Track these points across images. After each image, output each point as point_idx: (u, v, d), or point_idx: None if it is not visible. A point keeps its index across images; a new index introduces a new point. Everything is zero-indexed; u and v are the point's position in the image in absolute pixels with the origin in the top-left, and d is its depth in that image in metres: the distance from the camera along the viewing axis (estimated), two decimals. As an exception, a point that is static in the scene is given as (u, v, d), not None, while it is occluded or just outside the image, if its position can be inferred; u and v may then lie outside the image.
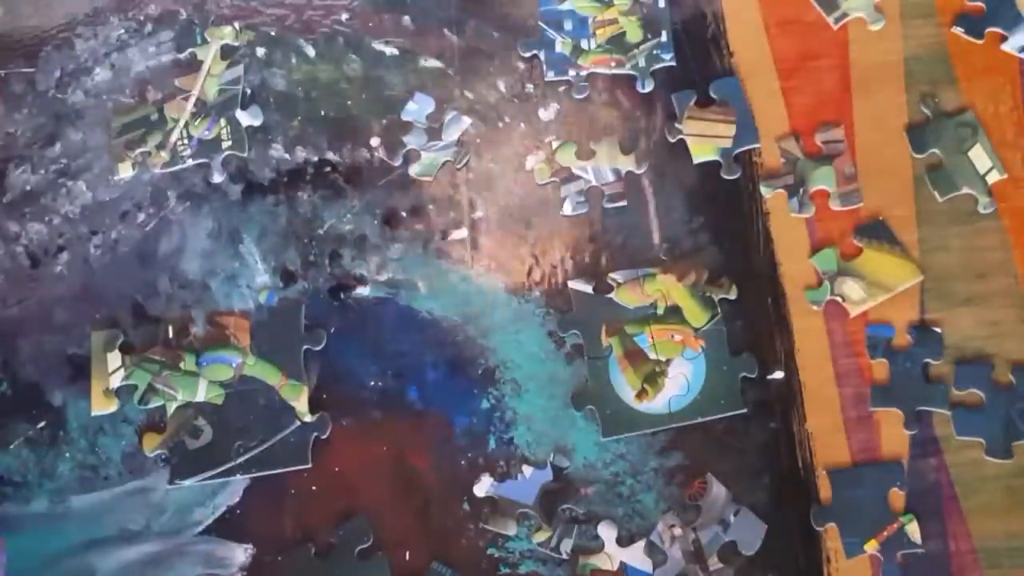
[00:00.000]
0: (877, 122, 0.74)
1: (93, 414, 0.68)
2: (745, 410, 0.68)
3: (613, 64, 0.76)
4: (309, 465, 0.67)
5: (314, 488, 0.68)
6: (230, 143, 0.74)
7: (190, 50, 0.77)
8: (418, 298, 0.72)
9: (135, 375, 0.68)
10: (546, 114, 0.75)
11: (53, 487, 0.68)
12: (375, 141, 0.75)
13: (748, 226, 0.72)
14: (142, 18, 0.78)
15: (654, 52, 0.76)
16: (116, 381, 0.68)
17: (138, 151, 0.74)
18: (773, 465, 0.68)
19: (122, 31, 0.77)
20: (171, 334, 0.70)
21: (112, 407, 0.68)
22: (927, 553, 0.65)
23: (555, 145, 0.74)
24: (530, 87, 0.76)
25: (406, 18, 0.78)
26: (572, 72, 0.76)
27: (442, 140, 0.74)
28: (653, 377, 0.68)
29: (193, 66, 0.76)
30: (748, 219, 0.72)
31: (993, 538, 0.66)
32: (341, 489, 0.68)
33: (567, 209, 0.72)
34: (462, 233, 0.73)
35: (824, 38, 0.76)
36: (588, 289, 0.71)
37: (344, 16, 0.78)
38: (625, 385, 0.68)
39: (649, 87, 0.75)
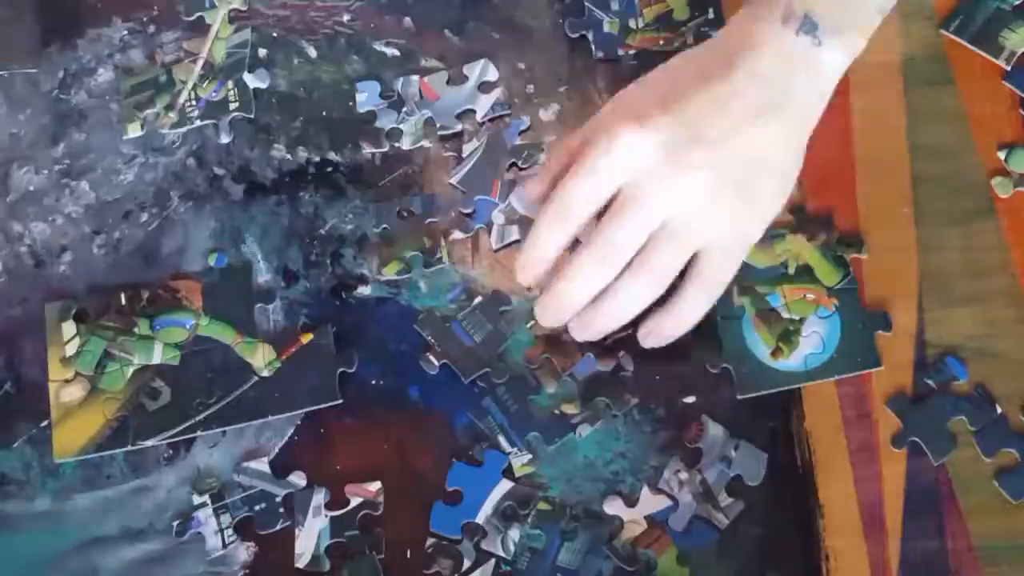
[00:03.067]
0: (877, 122, 0.74)
1: (51, 380, 0.69)
2: (882, 366, 0.68)
3: (661, 42, 0.76)
4: (269, 419, 0.68)
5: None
6: (237, 104, 0.75)
7: (198, 14, 0.77)
8: (420, 297, 0.72)
9: (91, 342, 0.69)
10: (546, 114, 0.75)
11: (56, 486, 0.68)
12: (368, 147, 0.75)
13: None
14: (145, 19, 0.78)
15: (702, 29, 0.76)
16: (72, 349, 0.69)
17: (147, 112, 0.75)
18: (772, 464, 0.68)
19: (125, 32, 0.78)
20: (123, 301, 0.70)
21: (70, 373, 0.69)
22: (925, 551, 0.66)
23: None
24: (531, 87, 0.76)
25: (407, 19, 0.78)
26: (621, 51, 0.76)
27: (408, 106, 0.75)
28: (787, 336, 0.69)
29: (201, 29, 0.77)
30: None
31: (992, 536, 0.66)
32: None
33: None
34: (462, 233, 0.73)
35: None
36: None
37: (346, 17, 0.78)
38: (760, 344, 0.69)
39: None
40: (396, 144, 0.75)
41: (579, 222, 0.62)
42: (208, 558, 0.66)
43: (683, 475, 0.67)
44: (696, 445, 0.68)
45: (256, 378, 0.69)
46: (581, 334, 0.66)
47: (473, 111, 0.75)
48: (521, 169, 0.74)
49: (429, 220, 0.73)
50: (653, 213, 0.60)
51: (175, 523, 0.67)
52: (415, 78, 0.76)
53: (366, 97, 0.76)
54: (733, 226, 0.62)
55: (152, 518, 0.68)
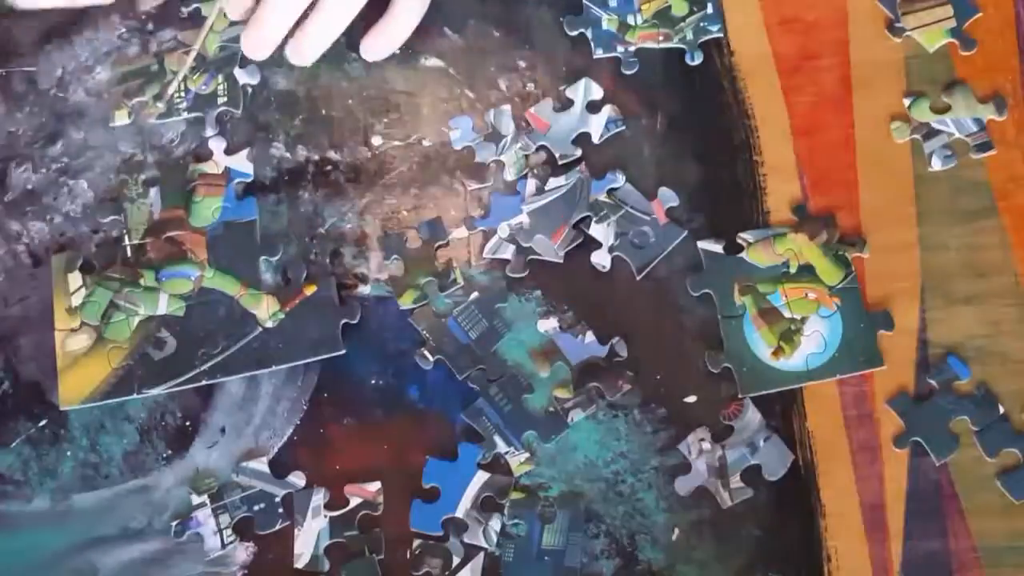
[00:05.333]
0: (878, 121, 0.74)
1: (57, 329, 0.69)
2: (884, 366, 0.68)
3: (661, 38, 0.76)
4: (271, 368, 0.69)
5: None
6: (226, 99, 0.75)
7: (195, 5, 0.77)
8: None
9: (96, 293, 0.70)
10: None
11: (54, 485, 0.68)
12: (377, 140, 0.75)
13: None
14: (143, 17, 0.78)
15: (701, 24, 0.76)
16: (77, 299, 0.70)
17: (135, 100, 0.75)
18: (774, 464, 0.68)
19: (123, 30, 0.78)
20: (129, 252, 0.71)
21: (75, 323, 0.69)
22: (927, 552, 0.66)
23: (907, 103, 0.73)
24: (531, 86, 0.76)
25: (407, 17, 0.78)
26: (620, 48, 0.76)
27: (505, 135, 0.74)
28: (789, 335, 0.69)
29: (196, 21, 0.77)
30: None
31: (994, 537, 0.66)
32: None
33: (936, 164, 0.72)
34: (462, 232, 0.73)
35: (824, 37, 0.76)
36: (719, 249, 0.71)
37: (345, 15, 0.78)
38: (761, 343, 0.69)
39: (698, 60, 0.75)
40: (501, 175, 0.73)
41: None
42: (207, 558, 0.66)
43: (706, 445, 0.67)
44: (730, 423, 0.68)
45: (260, 329, 0.69)
46: (297, 58, 0.72)
47: (588, 134, 0.74)
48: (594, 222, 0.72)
49: (438, 244, 0.72)
50: None
51: (174, 523, 0.67)
52: (506, 108, 0.75)
53: (460, 134, 0.75)
54: None
55: (151, 518, 0.68)
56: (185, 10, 0.77)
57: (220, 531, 0.67)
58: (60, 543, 0.67)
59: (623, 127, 0.74)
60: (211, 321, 0.70)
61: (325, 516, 0.67)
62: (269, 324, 0.70)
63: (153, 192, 0.73)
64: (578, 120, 0.74)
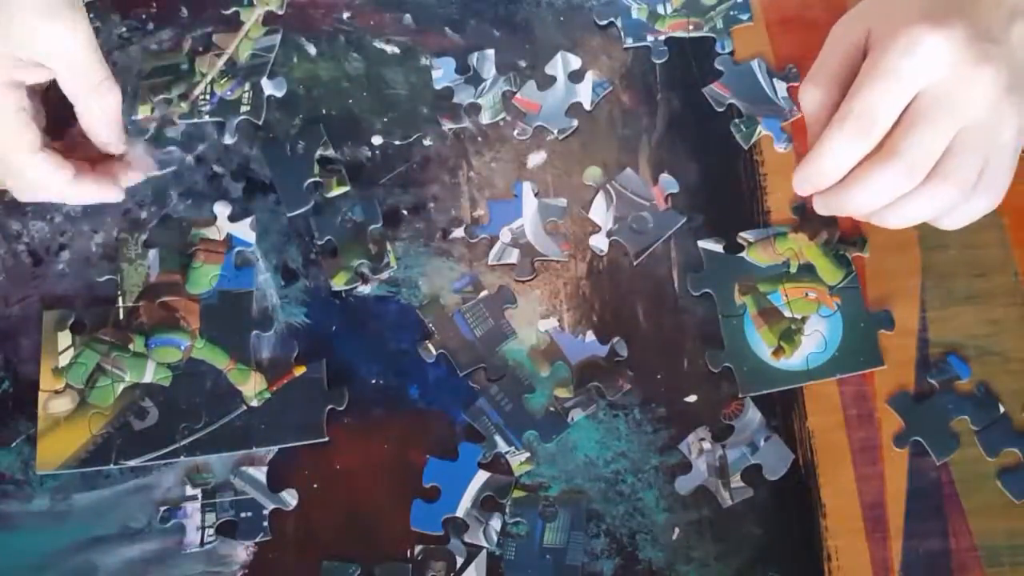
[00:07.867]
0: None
1: (41, 389, 0.68)
2: (884, 365, 0.68)
3: (690, 27, 0.76)
4: (253, 449, 0.68)
5: (316, 486, 0.68)
6: (248, 108, 0.75)
7: (235, 8, 0.77)
8: (419, 296, 0.72)
9: (84, 355, 0.69)
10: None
11: (54, 485, 0.68)
12: (377, 139, 0.75)
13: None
14: (144, 16, 0.78)
15: (731, 12, 0.76)
16: (65, 360, 0.69)
17: (160, 96, 0.75)
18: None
19: (123, 28, 0.77)
20: (122, 316, 0.70)
21: (60, 384, 0.68)
22: (928, 551, 0.66)
23: None
24: (532, 84, 0.76)
25: (407, 17, 0.78)
26: (650, 37, 0.76)
27: (485, 79, 0.75)
28: (789, 335, 0.69)
29: (233, 24, 0.77)
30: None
31: (994, 536, 0.66)
32: (342, 488, 0.68)
33: None
34: (462, 231, 0.73)
35: (824, 37, 0.76)
36: (719, 248, 0.71)
37: (345, 15, 0.78)
38: (761, 343, 0.69)
39: (728, 48, 0.75)
40: (475, 118, 0.74)
41: (883, 132, 0.56)
42: (183, 551, 0.66)
43: (706, 444, 0.68)
44: (730, 422, 0.68)
45: (244, 407, 0.68)
46: (848, 215, 0.61)
47: (579, 103, 0.75)
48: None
49: (372, 227, 0.72)
50: (960, 119, 0.55)
51: (162, 509, 0.67)
52: (490, 52, 0.76)
53: (442, 73, 0.75)
54: (1019, 123, 0.57)
55: (151, 518, 0.67)
56: (225, 12, 0.77)
57: (203, 528, 0.66)
58: (60, 543, 0.67)
59: (611, 87, 0.75)
60: (196, 394, 0.69)
61: None
62: (254, 403, 0.69)
63: (152, 254, 0.72)
64: (565, 92, 0.75)
